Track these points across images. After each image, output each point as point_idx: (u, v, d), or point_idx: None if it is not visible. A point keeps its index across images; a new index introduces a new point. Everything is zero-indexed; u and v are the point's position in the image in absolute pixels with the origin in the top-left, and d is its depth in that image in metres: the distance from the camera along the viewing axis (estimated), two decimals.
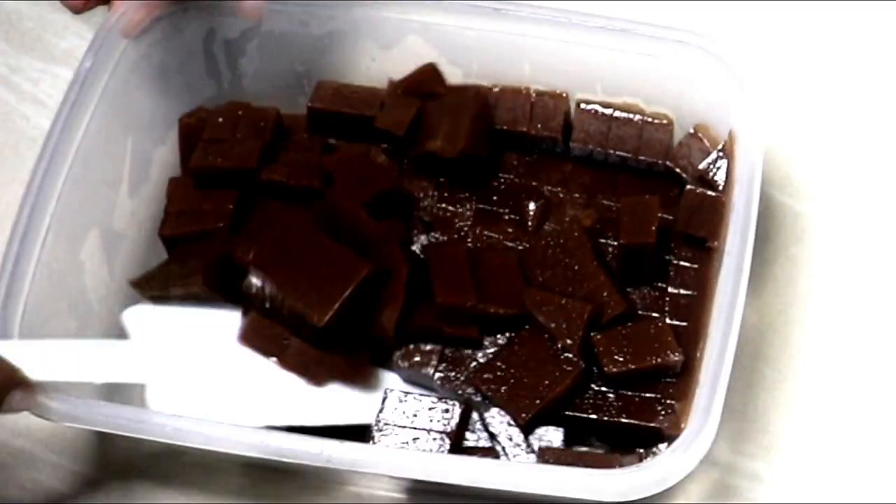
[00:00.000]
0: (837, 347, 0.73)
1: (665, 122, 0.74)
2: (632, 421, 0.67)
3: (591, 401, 0.68)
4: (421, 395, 0.68)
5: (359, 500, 0.71)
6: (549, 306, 0.69)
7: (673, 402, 0.67)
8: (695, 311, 0.70)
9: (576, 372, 0.67)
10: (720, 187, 0.71)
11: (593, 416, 0.68)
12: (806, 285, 0.74)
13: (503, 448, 0.67)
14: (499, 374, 0.68)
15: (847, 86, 0.80)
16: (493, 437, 0.68)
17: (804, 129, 0.79)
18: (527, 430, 0.67)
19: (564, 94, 0.75)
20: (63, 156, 0.70)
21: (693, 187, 0.72)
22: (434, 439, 0.67)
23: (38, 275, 0.68)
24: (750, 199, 0.66)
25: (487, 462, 0.65)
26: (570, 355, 0.68)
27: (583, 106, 0.75)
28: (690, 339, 0.69)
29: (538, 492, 0.62)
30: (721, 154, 0.71)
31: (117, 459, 0.73)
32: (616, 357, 0.68)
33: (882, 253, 0.75)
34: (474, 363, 0.69)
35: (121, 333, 0.72)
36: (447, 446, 0.67)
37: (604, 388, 0.68)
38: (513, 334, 0.70)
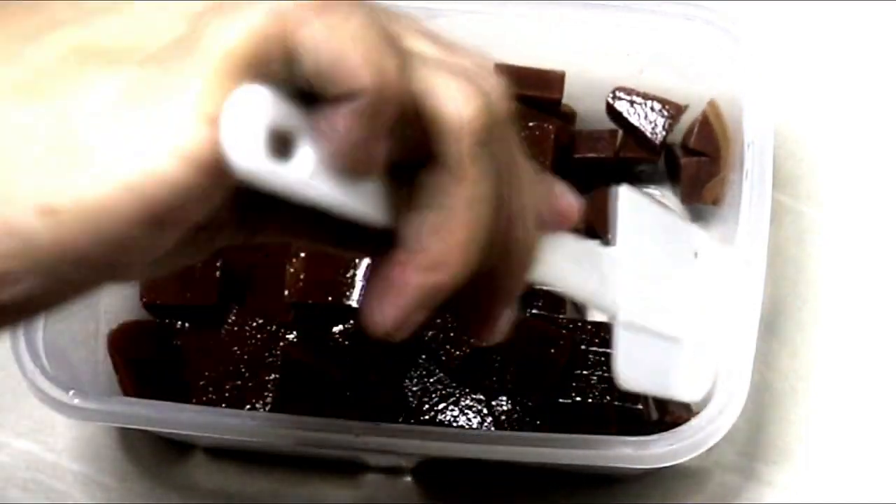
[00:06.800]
0: (838, 348, 0.72)
1: None
2: (616, 403, 0.67)
3: (575, 384, 0.68)
4: None
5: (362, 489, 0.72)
6: None
7: None
8: None
9: (568, 343, 0.68)
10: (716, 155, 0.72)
11: (578, 399, 0.68)
12: (806, 286, 0.74)
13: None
14: (496, 365, 0.68)
15: (847, 85, 0.79)
16: (498, 423, 0.68)
17: (804, 128, 0.78)
18: (539, 413, 0.67)
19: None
20: None
21: (689, 158, 0.73)
22: None
23: None
24: (764, 167, 0.66)
25: (522, 435, 0.65)
26: (557, 333, 0.68)
27: None
28: None
29: (576, 462, 0.62)
30: (706, 122, 0.72)
31: (118, 459, 0.72)
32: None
33: (883, 255, 0.74)
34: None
35: None
36: None
37: (585, 372, 0.69)
38: None
